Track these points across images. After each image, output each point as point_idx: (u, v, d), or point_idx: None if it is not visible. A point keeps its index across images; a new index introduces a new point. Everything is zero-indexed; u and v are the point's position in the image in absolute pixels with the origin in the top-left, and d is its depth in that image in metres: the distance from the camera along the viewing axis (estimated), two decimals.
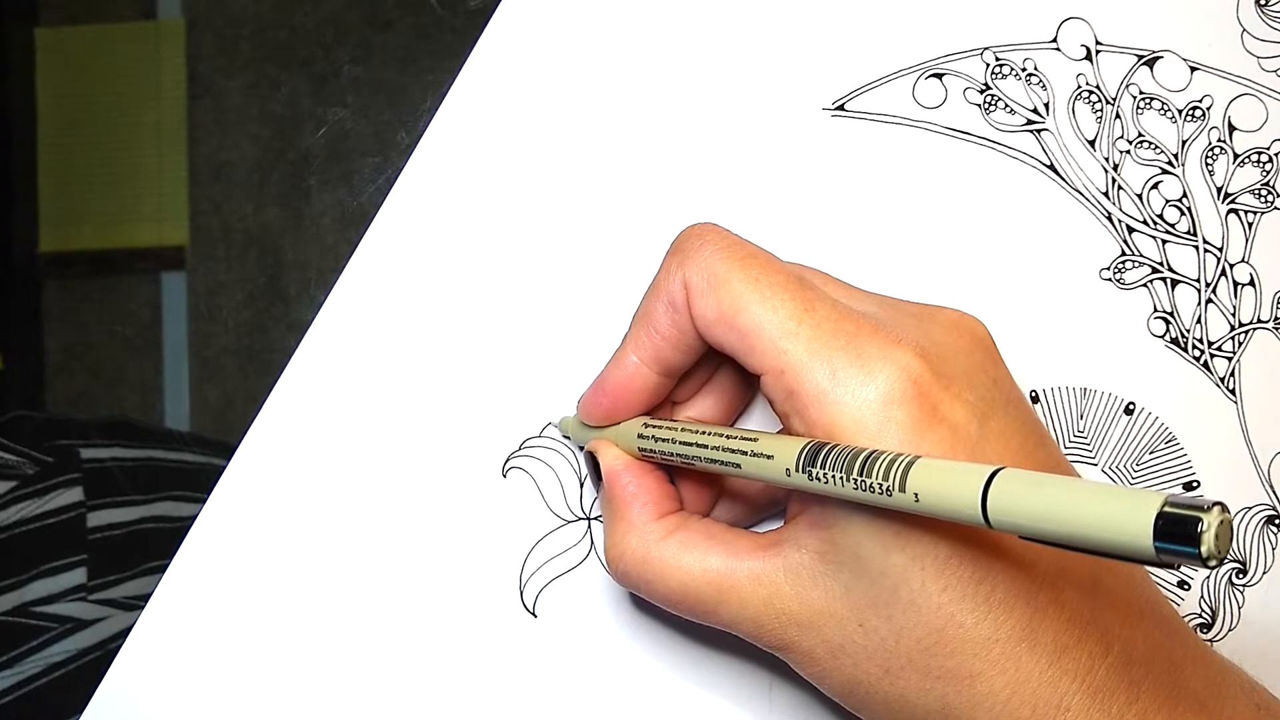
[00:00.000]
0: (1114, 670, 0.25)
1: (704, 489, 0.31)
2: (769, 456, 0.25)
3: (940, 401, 0.25)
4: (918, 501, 0.21)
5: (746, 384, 0.32)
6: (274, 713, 0.32)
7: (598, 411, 0.30)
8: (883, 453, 0.22)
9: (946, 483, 0.21)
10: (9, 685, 0.42)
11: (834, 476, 0.23)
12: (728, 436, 0.27)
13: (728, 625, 0.28)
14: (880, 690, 0.25)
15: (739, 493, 0.32)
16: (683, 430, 0.28)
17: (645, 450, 0.29)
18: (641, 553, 0.28)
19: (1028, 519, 0.19)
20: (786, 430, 0.27)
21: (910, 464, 0.21)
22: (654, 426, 0.29)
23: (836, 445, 0.23)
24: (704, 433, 0.27)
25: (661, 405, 0.31)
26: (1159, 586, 0.28)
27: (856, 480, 0.22)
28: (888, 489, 0.22)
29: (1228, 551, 0.17)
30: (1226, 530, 0.17)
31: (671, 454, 0.28)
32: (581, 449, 0.33)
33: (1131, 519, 0.18)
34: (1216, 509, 0.17)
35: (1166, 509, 0.17)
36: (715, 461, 0.27)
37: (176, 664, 0.33)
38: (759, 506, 0.32)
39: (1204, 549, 0.17)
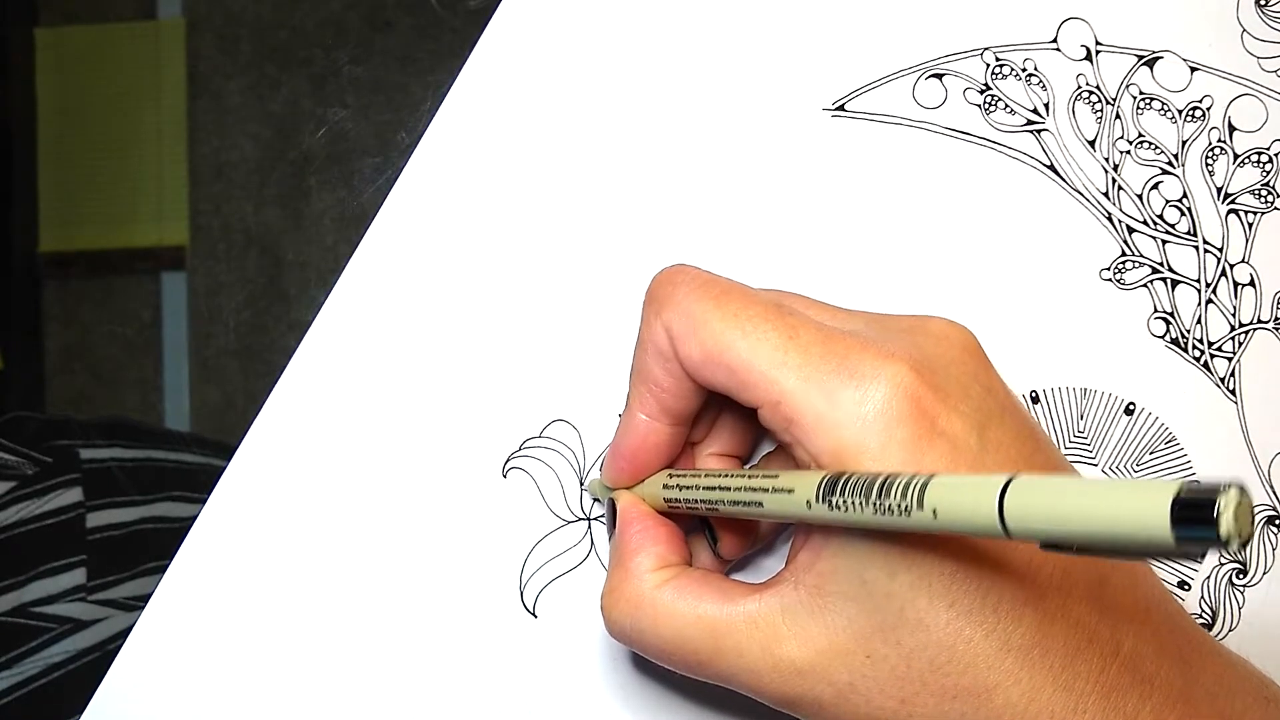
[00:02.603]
0: (1126, 670, 0.25)
1: (740, 537, 0.30)
2: (789, 491, 0.25)
3: (938, 415, 0.25)
4: (936, 518, 0.21)
5: (754, 414, 0.32)
6: (274, 713, 0.32)
7: (621, 476, 0.30)
8: (899, 475, 0.22)
9: (962, 497, 0.21)
10: (9, 685, 0.42)
11: (854, 503, 0.23)
12: (749, 476, 0.26)
13: (726, 678, 0.27)
14: None
15: (765, 535, 0.32)
16: (705, 476, 0.28)
17: (671, 501, 0.29)
18: (635, 599, 0.27)
19: (1044, 523, 0.19)
20: (791, 459, 0.26)
21: (926, 483, 0.21)
22: (678, 476, 0.29)
23: (854, 473, 0.23)
24: (725, 475, 0.27)
25: (682, 452, 0.30)
26: (1162, 583, 0.28)
27: (876, 505, 0.22)
28: (906, 509, 0.21)
29: (1250, 533, 0.17)
30: (1246, 511, 0.17)
31: (696, 501, 0.28)
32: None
33: (1147, 507, 0.17)
34: (1234, 489, 0.17)
35: (1182, 494, 0.17)
36: (739, 503, 0.26)
37: (176, 664, 0.33)
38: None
39: (1223, 530, 0.17)
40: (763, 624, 0.26)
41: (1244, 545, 0.17)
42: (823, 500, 0.23)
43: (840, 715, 0.25)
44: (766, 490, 0.25)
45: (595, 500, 0.33)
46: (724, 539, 0.30)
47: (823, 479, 0.24)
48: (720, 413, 0.31)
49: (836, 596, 0.25)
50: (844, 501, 0.23)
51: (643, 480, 0.30)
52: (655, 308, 0.27)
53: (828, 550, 0.25)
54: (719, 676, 0.27)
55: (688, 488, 0.28)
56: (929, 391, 0.25)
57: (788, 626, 0.25)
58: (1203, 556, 0.20)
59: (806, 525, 0.26)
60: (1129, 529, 0.18)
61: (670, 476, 0.29)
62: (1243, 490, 0.17)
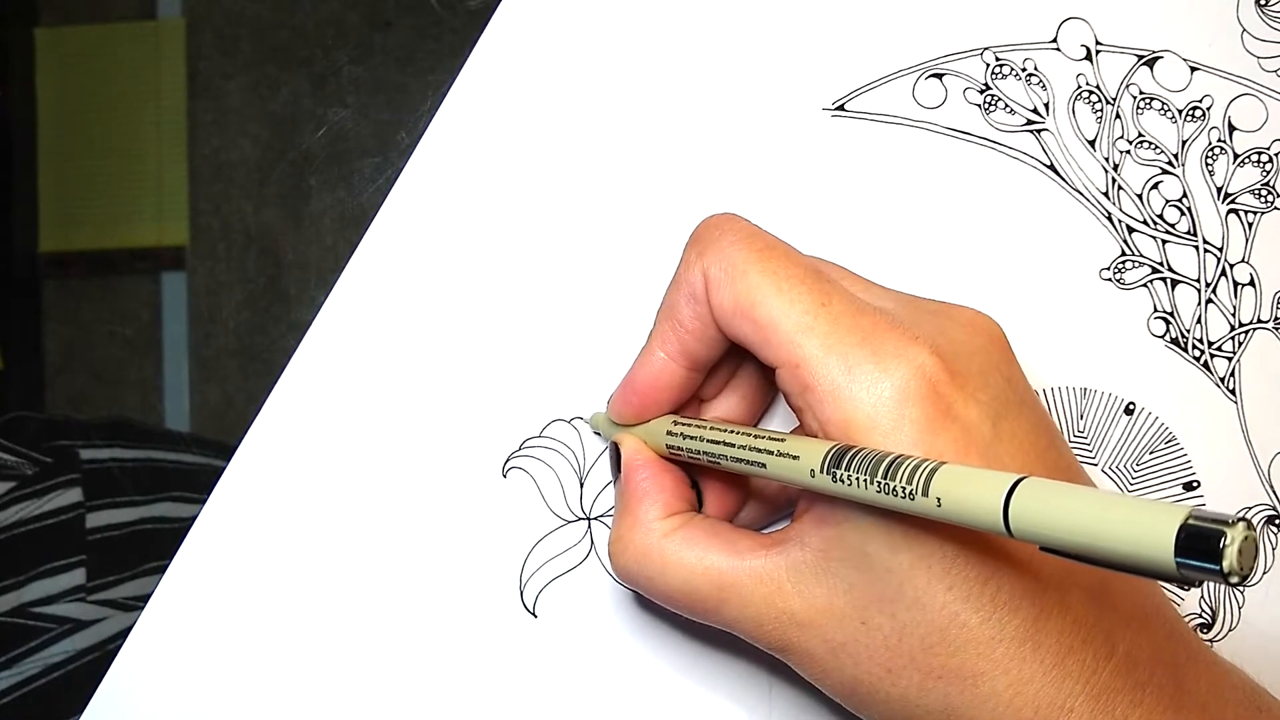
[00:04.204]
0: (1118, 672, 0.25)
1: (730, 490, 0.31)
2: (794, 457, 0.25)
3: (954, 401, 0.25)
4: (940, 507, 0.21)
5: (770, 379, 0.32)
6: (274, 713, 0.32)
7: (628, 409, 0.30)
8: (907, 458, 0.22)
9: (969, 490, 0.21)
10: (8, 686, 0.42)
11: (858, 479, 0.23)
12: (754, 436, 0.27)
13: (728, 625, 0.28)
14: (882, 690, 0.25)
15: (761, 492, 0.32)
16: (710, 429, 0.28)
17: (673, 448, 0.29)
18: (643, 548, 0.28)
19: (1048, 529, 0.19)
20: (801, 425, 0.27)
21: (934, 470, 0.21)
22: (682, 424, 0.29)
23: (862, 449, 0.23)
24: (731, 431, 0.27)
25: (689, 403, 0.31)
26: (1162, 589, 0.28)
27: (880, 484, 0.22)
28: (910, 493, 0.22)
29: (1251, 569, 0.17)
30: (1250, 546, 0.17)
31: (699, 452, 0.28)
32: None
33: (1153, 533, 0.17)
34: (1241, 525, 0.17)
35: (1190, 523, 0.17)
36: (741, 461, 0.27)
37: (176, 664, 0.33)
38: (778, 506, 0.32)
39: (1226, 565, 0.17)
40: (768, 580, 0.26)
41: (1242, 581, 0.17)
42: (827, 472, 0.24)
43: (828, 670, 0.26)
44: (771, 453, 0.26)
45: (596, 434, 0.33)
46: (710, 499, 0.30)
47: (830, 450, 0.24)
48: (735, 374, 0.31)
49: (840, 563, 0.25)
50: (849, 476, 0.23)
51: (647, 421, 0.30)
52: (698, 250, 0.28)
53: (834, 517, 0.26)
54: (722, 623, 0.28)
55: (692, 437, 0.28)
56: (947, 377, 0.25)
57: (792, 584, 0.26)
58: (1200, 585, 0.20)
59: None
60: (1133, 549, 0.18)
61: (675, 424, 0.29)
62: (1249, 525, 0.17)
